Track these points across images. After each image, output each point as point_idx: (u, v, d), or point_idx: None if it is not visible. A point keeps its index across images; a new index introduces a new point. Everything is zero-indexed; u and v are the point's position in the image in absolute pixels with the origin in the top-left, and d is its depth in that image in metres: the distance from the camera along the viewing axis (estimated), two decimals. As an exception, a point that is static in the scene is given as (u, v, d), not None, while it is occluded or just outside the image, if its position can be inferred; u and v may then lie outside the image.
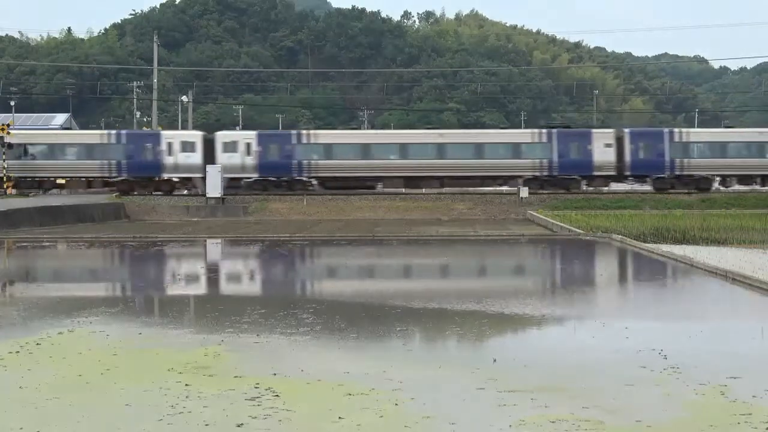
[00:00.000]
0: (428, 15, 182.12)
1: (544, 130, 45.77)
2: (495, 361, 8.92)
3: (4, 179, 44.52)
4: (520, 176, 44.38)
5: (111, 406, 7.18)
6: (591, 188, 44.83)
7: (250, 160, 44.41)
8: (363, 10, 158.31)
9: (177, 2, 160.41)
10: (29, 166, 44.87)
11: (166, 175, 44.95)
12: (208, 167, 43.67)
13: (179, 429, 6.54)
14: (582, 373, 8.36)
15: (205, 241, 28.09)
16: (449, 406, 7.13)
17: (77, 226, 33.74)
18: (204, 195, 43.47)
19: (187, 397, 7.46)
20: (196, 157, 44.66)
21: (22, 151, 45.04)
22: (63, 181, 46.21)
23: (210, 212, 42.40)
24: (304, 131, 48.31)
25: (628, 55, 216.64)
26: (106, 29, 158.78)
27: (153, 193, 45.03)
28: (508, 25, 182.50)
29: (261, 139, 45.14)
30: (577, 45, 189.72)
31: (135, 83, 77.38)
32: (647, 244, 21.93)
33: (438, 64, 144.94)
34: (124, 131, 49.79)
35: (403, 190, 46.11)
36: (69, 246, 25.69)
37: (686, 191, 43.67)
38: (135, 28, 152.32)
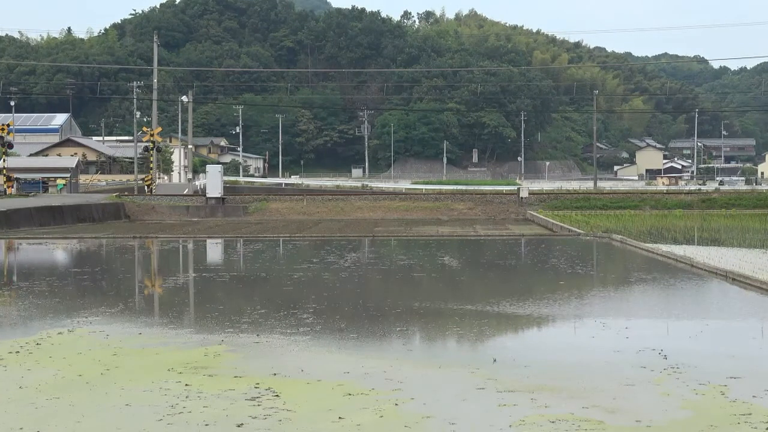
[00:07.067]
0: (428, 15, 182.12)
1: None
2: (495, 361, 8.92)
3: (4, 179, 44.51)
4: None
5: (111, 406, 7.18)
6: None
7: None
8: (363, 10, 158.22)
9: (177, 2, 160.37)
10: None
11: None
12: (208, 167, 43.68)
13: (179, 429, 6.54)
14: (582, 373, 8.35)
15: (205, 241, 28.09)
16: (449, 406, 7.13)
17: (77, 226, 33.74)
18: None
19: (187, 397, 7.46)
20: None
21: None
22: None
23: (210, 212, 42.40)
24: None
25: (628, 55, 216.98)
26: (106, 29, 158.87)
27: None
28: (508, 25, 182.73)
29: None
30: (577, 45, 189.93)
31: (135, 83, 77.20)
32: (647, 244, 21.94)
33: (438, 64, 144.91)
34: None
35: (404, 189, 46.06)
36: (69, 246, 25.69)
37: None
38: (135, 28, 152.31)
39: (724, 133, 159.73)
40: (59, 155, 74.67)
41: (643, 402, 7.27)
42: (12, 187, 45.41)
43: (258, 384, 7.87)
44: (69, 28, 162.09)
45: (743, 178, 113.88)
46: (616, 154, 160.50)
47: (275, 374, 8.29)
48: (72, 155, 71.89)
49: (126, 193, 48.90)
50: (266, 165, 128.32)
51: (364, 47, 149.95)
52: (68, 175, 57.12)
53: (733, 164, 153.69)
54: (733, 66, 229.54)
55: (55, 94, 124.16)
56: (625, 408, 7.07)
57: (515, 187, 46.86)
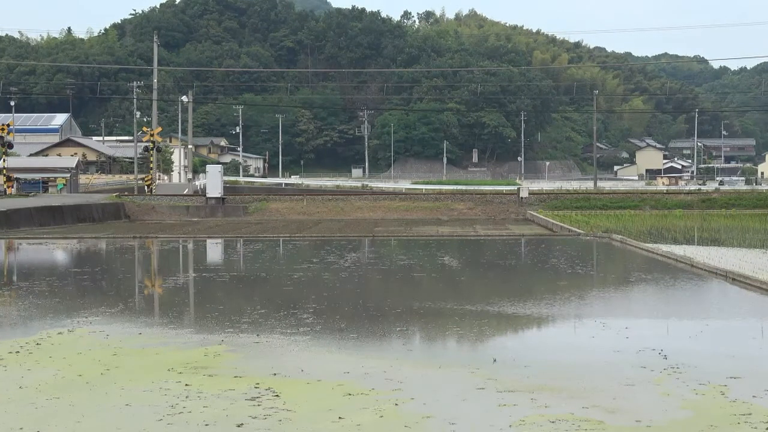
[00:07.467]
0: (428, 15, 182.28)
1: None
2: (495, 361, 8.92)
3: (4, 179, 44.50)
4: None
5: (111, 406, 7.18)
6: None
7: None
8: (363, 10, 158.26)
9: (177, 2, 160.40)
10: None
11: None
12: (208, 167, 43.70)
13: (179, 429, 6.54)
14: (582, 373, 8.35)
15: (205, 241, 28.09)
16: (449, 406, 7.13)
17: (77, 226, 33.74)
18: None
19: (187, 397, 7.46)
20: None
21: None
22: None
23: (210, 212, 42.39)
24: None
25: (628, 55, 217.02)
26: (106, 29, 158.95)
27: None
28: (508, 25, 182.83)
29: None
30: (577, 45, 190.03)
31: (135, 83, 77.23)
32: (647, 244, 21.94)
33: (438, 64, 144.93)
34: None
35: (404, 189, 46.08)
36: (69, 246, 25.68)
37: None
38: (135, 28, 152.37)
39: (724, 133, 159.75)
40: (59, 155, 74.70)
41: (643, 402, 7.27)
42: (12, 187, 45.42)
43: (258, 384, 7.87)
44: (69, 28, 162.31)
45: (743, 178, 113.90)
46: (616, 154, 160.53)
47: (275, 374, 8.28)
48: (72, 155, 71.92)
49: (126, 193, 48.92)
50: (266, 165, 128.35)
51: (364, 47, 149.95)
52: (68, 175, 57.13)
53: (733, 164, 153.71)
54: (733, 66, 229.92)
55: (55, 94, 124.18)
56: (625, 408, 7.07)
57: (515, 187, 46.86)
